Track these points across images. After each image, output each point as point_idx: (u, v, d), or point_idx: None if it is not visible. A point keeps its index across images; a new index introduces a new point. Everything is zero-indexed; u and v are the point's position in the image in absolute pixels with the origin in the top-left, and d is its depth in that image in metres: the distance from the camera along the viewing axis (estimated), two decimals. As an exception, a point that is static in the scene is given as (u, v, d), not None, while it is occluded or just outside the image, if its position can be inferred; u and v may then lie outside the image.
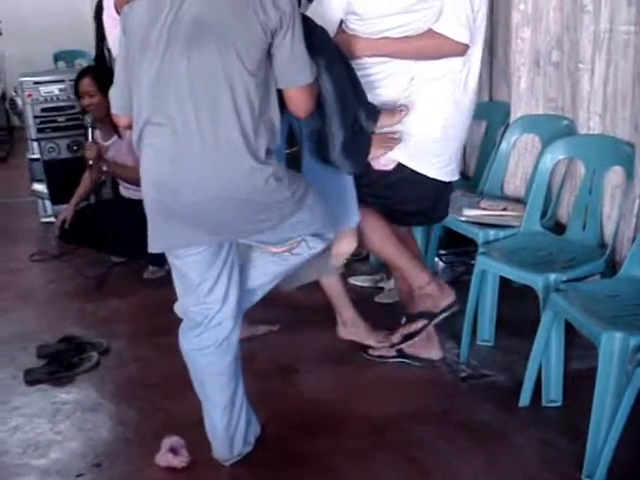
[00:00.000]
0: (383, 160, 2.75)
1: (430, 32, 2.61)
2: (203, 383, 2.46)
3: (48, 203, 5.10)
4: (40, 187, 5.10)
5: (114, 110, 2.40)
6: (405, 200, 2.87)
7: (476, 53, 2.74)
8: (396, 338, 3.02)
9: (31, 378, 3.09)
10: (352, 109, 2.57)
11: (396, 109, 2.69)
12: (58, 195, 4.95)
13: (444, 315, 2.96)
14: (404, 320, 3.04)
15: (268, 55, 2.17)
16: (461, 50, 2.63)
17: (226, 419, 2.46)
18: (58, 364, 3.15)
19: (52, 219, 4.92)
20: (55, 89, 5.08)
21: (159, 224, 2.28)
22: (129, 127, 2.36)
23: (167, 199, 2.22)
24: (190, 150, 2.16)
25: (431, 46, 2.64)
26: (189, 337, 2.42)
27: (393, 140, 2.70)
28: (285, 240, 2.40)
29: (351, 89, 2.58)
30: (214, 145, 2.14)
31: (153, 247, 2.32)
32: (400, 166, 2.77)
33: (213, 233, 2.28)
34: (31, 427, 2.81)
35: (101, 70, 4.19)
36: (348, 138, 2.57)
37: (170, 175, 2.20)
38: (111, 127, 3.94)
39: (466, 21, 2.58)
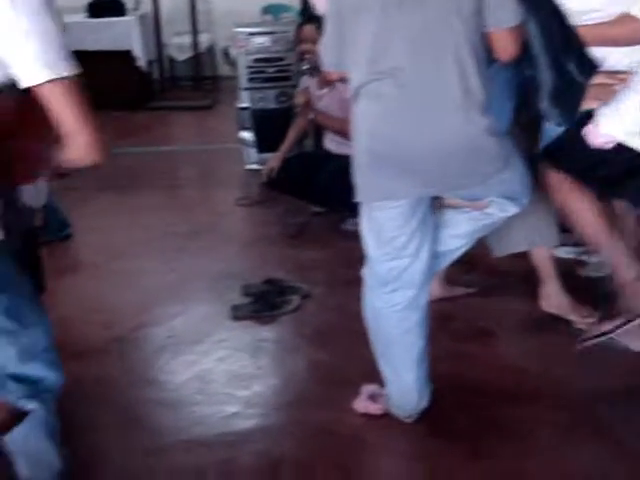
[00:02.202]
0: (602, 138, 2.54)
1: (624, 17, 2.36)
2: (391, 344, 2.47)
3: (253, 151, 5.28)
4: (247, 135, 5.29)
5: (326, 66, 2.46)
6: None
7: None
8: (607, 326, 2.74)
9: (237, 314, 3.26)
10: (562, 57, 2.40)
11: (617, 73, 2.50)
12: (263, 144, 5.12)
13: None
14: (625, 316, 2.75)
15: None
16: None
17: (416, 373, 2.47)
18: (263, 303, 3.28)
19: (256, 166, 5.12)
20: (267, 40, 5.22)
21: (370, 175, 2.30)
22: (340, 80, 2.39)
23: (382, 149, 2.25)
24: (410, 102, 2.20)
25: (626, 33, 2.40)
26: (379, 294, 2.44)
27: (611, 92, 2.49)
28: (483, 198, 2.40)
29: (562, 37, 2.40)
30: (435, 96, 2.19)
31: (362, 197, 2.35)
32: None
33: (424, 185, 2.29)
34: (235, 360, 2.97)
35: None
36: (557, 86, 2.42)
37: (388, 125, 2.24)
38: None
39: None
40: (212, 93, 7.71)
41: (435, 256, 2.48)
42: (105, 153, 1.70)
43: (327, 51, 2.40)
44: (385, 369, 2.52)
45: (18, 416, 1.84)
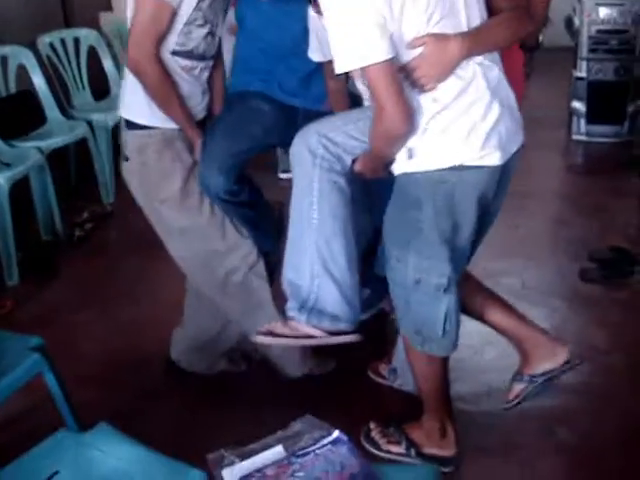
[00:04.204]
0: None
1: None
2: None
3: (582, 121, 5.30)
4: (579, 105, 5.31)
5: None
6: None
7: None
8: None
9: (586, 276, 3.39)
10: None
11: None
12: (594, 115, 5.17)
13: None
14: None
15: None
16: None
17: None
18: (612, 270, 3.39)
19: (584, 137, 5.18)
20: (614, 12, 5.18)
21: None
22: None
23: None
24: None
25: None
26: None
27: None
28: None
29: None
30: None
31: None
32: None
33: None
34: (585, 319, 3.11)
35: None
36: None
37: None
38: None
39: None
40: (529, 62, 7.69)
41: None
42: None
43: None
44: None
45: None
